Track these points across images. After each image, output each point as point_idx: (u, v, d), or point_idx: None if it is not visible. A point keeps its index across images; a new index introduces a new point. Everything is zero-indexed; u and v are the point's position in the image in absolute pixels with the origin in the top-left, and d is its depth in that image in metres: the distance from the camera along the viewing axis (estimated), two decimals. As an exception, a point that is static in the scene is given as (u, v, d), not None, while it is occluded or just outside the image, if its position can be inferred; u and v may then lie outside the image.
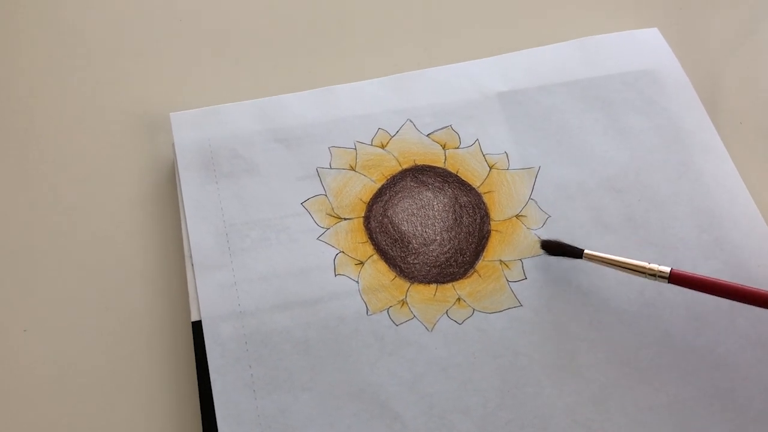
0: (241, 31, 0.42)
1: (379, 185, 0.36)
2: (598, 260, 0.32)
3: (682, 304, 0.33)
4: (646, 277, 0.31)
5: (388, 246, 0.34)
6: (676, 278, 0.31)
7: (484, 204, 0.36)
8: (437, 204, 0.36)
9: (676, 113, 0.38)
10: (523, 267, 0.34)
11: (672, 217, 0.35)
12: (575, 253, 0.33)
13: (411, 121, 0.38)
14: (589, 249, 0.33)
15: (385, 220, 0.35)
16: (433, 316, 0.33)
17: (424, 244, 0.35)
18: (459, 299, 0.33)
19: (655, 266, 0.31)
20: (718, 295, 0.31)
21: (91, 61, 0.41)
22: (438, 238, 0.35)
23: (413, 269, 0.34)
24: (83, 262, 0.35)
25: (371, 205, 0.35)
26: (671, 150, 0.37)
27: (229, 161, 0.36)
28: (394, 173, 0.36)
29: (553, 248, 0.34)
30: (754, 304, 0.30)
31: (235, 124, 0.37)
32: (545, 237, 0.34)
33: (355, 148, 0.37)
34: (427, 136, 0.37)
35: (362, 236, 0.35)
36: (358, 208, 0.35)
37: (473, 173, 0.36)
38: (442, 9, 0.43)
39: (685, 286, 0.31)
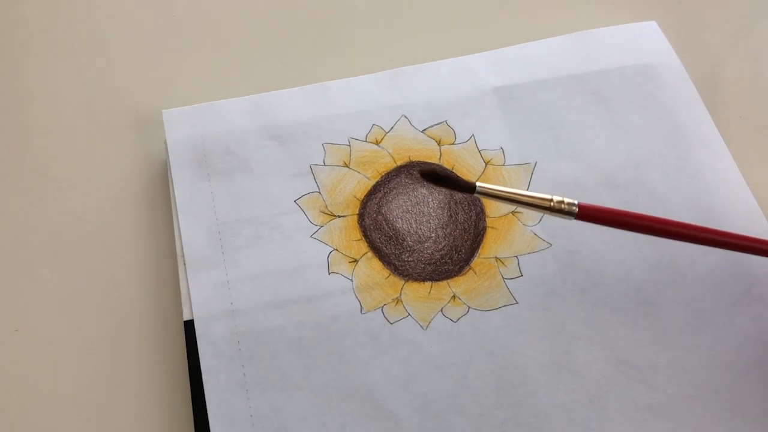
0: (233, 27, 0.41)
1: (373, 182, 0.36)
2: (493, 194, 0.28)
3: (680, 302, 0.33)
4: (552, 213, 0.28)
5: (382, 243, 0.34)
6: (584, 212, 0.28)
7: (479, 200, 0.35)
8: (432, 201, 0.35)
9: (675, 107, 0.38)
10: (519, 264, 0.34)
11: (670, 212, 0.35)
12: (465, 187, 0.28)
13: (406, 116, 0.37)
14: (582, 240, 0.32)
15: (380, 217, 0.35)
16: (427, 314, 0.32)
17: (419, 242, 0.34)
18: (454, 297, 0.33)
19: (559, 198, 0.28)
20: (629, 229, 0.28)
21: (82, 58, 0.40)
22: (433, 235, 0.34)
23: (408, 267, 0.34)
24: (74, 260, 0.34)
25: (365, 202, 0.35)
26: (670, 144, 0.36)
27: (221, 158, 0.36)
28: (388, 170, 0.36)
29: (438, 179, 0.29)
30: (666, 237, 0.28)
31: (227, 121, 0.37)
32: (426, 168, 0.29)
33: (350, 145, 0.36)
34: (422, 132, 0.37)
35: (356, 234, 0.34)
36: (352, 205, 0.35)
37: (469, 169, 0.36)
38: (437, 3, 0.42)
39: (594, 222, 0.28)
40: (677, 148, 0.36)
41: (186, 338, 0.32)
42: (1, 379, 0.32)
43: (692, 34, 0.41)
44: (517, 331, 0.32)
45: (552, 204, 0.29)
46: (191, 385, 0.31)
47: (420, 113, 0.37)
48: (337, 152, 0.36)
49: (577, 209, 0.28)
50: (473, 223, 0.35)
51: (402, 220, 0.35)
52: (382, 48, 0.40)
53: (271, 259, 0.33)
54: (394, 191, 0.35)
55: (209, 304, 0.32)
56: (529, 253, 0.34)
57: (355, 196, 0.35)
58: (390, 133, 0.37)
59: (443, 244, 0.34)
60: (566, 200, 0.29)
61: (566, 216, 0.29)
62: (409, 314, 0.32)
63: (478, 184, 0.28)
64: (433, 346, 0.32)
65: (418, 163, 0.36)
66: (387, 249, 0.34)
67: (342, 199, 0.35)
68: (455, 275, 0.33)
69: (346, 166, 0.36)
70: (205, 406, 0.30)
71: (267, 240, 0.34)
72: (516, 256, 0.34)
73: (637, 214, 0.29)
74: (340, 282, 0.33)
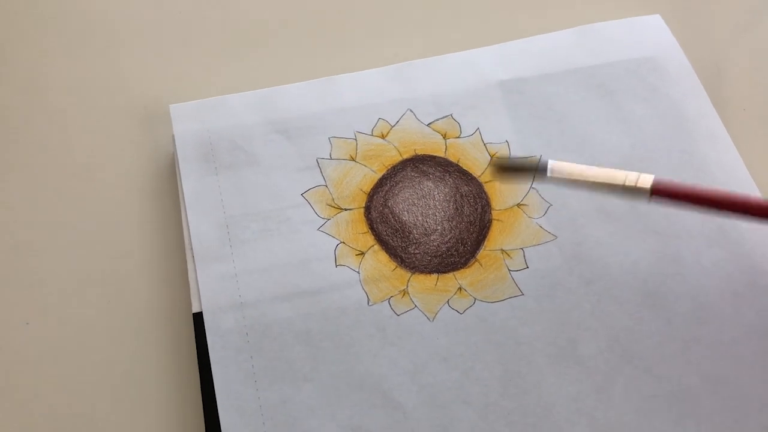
0: (240, 22, 0.42)
1: (379, 175, 0.36)
2: (565, 178, 0.28)
3: (685, 294, 0.33)
4: (624, 193, 0.28)
5: (388, 236, 0.34)
6: (658, 191, 0.27)
7: (485, 193, 0.35)
8: (438, 194, 0.35)
9: (680, 100, 0.38)
10: (524, 256, 0.34)
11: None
12: (534, 167, 0.28)
13: (411, 110, 0.37)
14: (587, 232, 0.31)
15: (386, 210, 0.35)
16: (434, 305, 0.33)
17: (425, 234, 0.34)
18: (460, 289, 0.33)
19: (634, 175, 0.27)
20: (709, 207, 0.27)
21: (89, 53, 0.40)
22: (439, 227, 0.35)
23: (414, 259, 0.34)
24: (84, 254, 0.35)
25: (372, 195, 0.35)
26: (674, 137, 0.37)
27: (229, 153, 0.36)
28: (394, 163, 0.36)
29: (508, 168, 0.29)
30: (749, 214, 0.27)
31: (234, 116, 0.37)
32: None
33: (356, 139, 0.37)
34: (428, 125, 0.37)
35: (363, 227, 0.35)
36: (358, 198, 0.35)
37: (474, 162, 0.36)
38: (442, -2, 0.43)
39: (669, 198, 0.27)
40: (682, 141, 0.37)
41: (195, 330, 0.32)
42: (13, 371, 0.32)
43: (697, 27, 0.41)
44: (523, 322, 0.32)
45: (626, 183, 0.27)
46: (200, 377, 0.31)
47: (425, 107, 0.37)
48: (343, 146, 0.36)
49: (650, 188, 0.27)
50: (479, 216, 0.35)
51: (408, 212, 0.35)
52: (388, 42, 0.41)
53: (279, 252, 0.34)
54: (400, 184, 0.36)
55: (218, 297, 0.33)
56: (534, 245, 0.34)
57: (361, 190, 0.35)
58: (396, 126, 0.37)
59: (449, 236, 0.34)
60: (641, 177, 0.27)
61: (640, 195, 0.27)
62: (415, 306, 0.33)
63: (550, 162, 0.28)
64: (440, 338, 0.32)
65: (424, 157, 0.36)
66: (393, 241, 0.34)
67: (348, 193, 0.35)
68: (461, 267, 0.34)
69: (353, 159, 0.36)
70: (215, 397, 0.31)
71: (274, 233, 0.34)
72: (522, 249, 0.34)
73: (713, 190, 0.27)
74: (347, 274, 0.33)
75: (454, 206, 0.35)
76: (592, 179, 0.28)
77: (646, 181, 0.27)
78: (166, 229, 0.35)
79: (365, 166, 0.36)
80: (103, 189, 0.36)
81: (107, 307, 0.34)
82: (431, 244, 0.34)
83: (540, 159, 0.30)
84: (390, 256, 0.34)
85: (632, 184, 0.27)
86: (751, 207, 0.27)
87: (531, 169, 0.29)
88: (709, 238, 0.34)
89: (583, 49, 0.39)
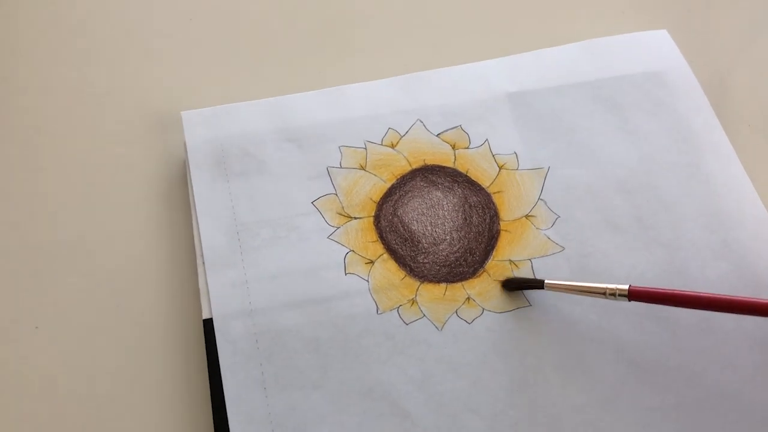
0: (252, 30, 0.42)
1: (389, 185, 0.36)
2: (559, 288, 0.32)
3: (690, 305, 0.33)
4: (606, 297, 0.31)
5: (398, 245, 0.35)
6: (635, 295, 0.30)
7: (493, 204, 0.36)
8: (447, 204, 0.36)
9: (685, 115, 0.38)
10: (532, 267, 0.34)
11: (681, 218, 0.35)
12: (536, 284, 0.33)
13: (421, 121, 0.38)
14: (594, 244, 0.33)
15: (395, 219, 0.35)
16: (442, 315, 0.33)
17: (434, 244, 0.35)
18: (469, 299, 0.33)
19: (612, 286, 0.31)
20: (681, 306, 0.30)
21: (102, 60, 0.41)
22: (448, 237, 0.35)
23: (423, 268, 0.34)
24: (95, 259, 0.35)
25: (381, 204, 0.36)
26: (680, 151, 0.37)
27: (240, 160, 0.36)
28: (404, 173, 0.36)
29: (513, 284, 0.34)
30: (717, 310, 0.29)
31: (246, 124, 0.37)
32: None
33: (366, 148, 0.37)
34: (437, 136, 0.37)
35: (372, 235, 0.35)
36: (368, 207, 0.36)
37: (483, 173, 0.37)
38: (452, 9, 0.43)
39: (646, 301, 0.30)
40: (688, 154, 0.37)
41: (205, 336, 0.32)
42: (22, 376, 0.32)
43: (702, 42, 0.42)
44: (531, 333, 0.33)
45: (606, 290, 0.31)
46: (211, 383, 0.31)
47: (435, 117, 0.38)
48: (353, 155, 0.37)
49: (627, 293, 0.30)
50: (487, 226, 0.35)
51: (417, 222, 0.35)
52: (398, 53, 0.41)
53: (289, 260, 0.34)
54: (410, 194, 0.36)
55: (228, 303, 0.33)
56: (542, 256, 0.34)
57: (371, 199, 0.36)
58: (405, 136, 0.37)
59: (458, 246, 0.35)
60: (618, 287, 0.30)
61: (620, 299, 0.31)
62: (424, 315, 0.33)
63: (546, 281, 0.32)
64: (448, 347, 0.32)
65: (433, 167, 0.37)
66: (402, 251, 0.35)
67: (358, 201, 0.36)
68: (470, 277, 0.34)
69: (363, 168, 0.36)
70: (225, 403, 0.31)
71: (285, 240, 0.34)
72: (529, 259, 0.34)
73: (687, 293, 0.30)
74: (356, 283, 0.33)
75: (463, 216, 0.35)
76: (579, 289, 0.32)
77: (623, 289, 0.30)
78: (177, 235, 0.35)
79: (375, 175, 0.36)
80: (115, 195, 0.37)
81: (117, 312, 0.34)
82: (440, 253, 0.34)
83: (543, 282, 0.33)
84: (399, 265, 0.34)
85: (612, 292, 0.31)
86: (720, 305, 0.29)
87: (533, 285, 0.33)
88: (714, 251, 0.35)
89: (590, 63, 0.39)
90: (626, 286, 0.30)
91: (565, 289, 0.32)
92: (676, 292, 0.30)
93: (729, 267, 0.34)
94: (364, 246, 0.34)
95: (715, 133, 0.38)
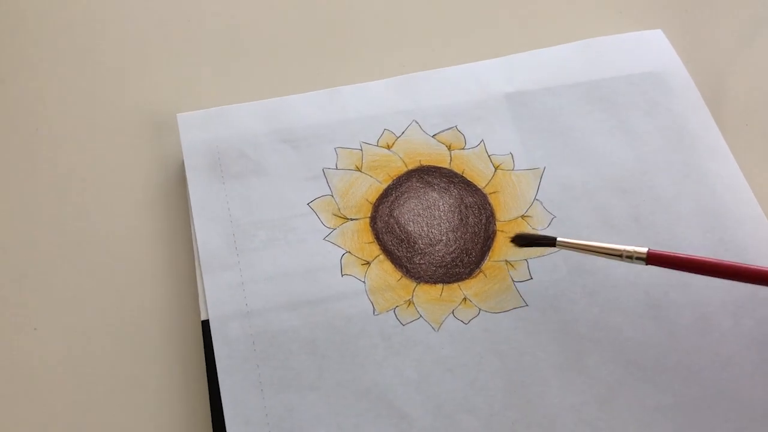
0: (247, 31, 0.42)
1: (384, 186, 0.36)
2: (571, 247, 0.32)
3: (687, 305, 0.33)
4: (623, 260, 0.31)
5: (394, 246, 0.35)
6: (654, 258, 0.30)
7: (489, 204, 0.36)
8: (443, 204, 0.36)
9: (681, 114, 0.38)
10: (528, 267, 0.34)
11: (677, 217, 0.35)
12: (548, 241, 0.32)
13: (416, 121, 0.38)
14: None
15: (391, 220, 0.35)
16: (439, 316, 0.33)
17: (430, 245, 0.35)
18: (465, 299, 0.33)
19: (630, 248, 0.30)
20: (699, 273, 0.30)
21: (98, 62, 0.41)
22: (444, 238, 0.35)
23: (419, 269, 0.34)
24: (93, 261, 0.35)
25: (377, 205, 0.36)
26: (676, 151, 0.37)
27: (236, 162, 0.36)
28: (399, 174, 0.36)
29: (524, 240, 0.33)
30: (736, 279, 0.29)
31: (241, 125, 0.37)
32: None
33: (361, 149, 0.37)
34: (433, 136, 0.37)
35: (368, 236, 0.35)
36: (364, 208, 0.36)
37: (479, 174, 0.37)
38: (448, 10, 0.43)
39: (664, 266, 0.30)
40: (683, 154, 0.37)
41: (204, 338, 0.32)
42: (20, 377, 0.32)
43: (698, 42, 0.42)
44: (527, 333, 0.33)
45: (623, 254, 0.30)
46: (209, 384, 0.31)
47: (430, 118, 0.38)
48: (349, 156, 0.37)
49: (645, 256, 0.30)
50: (483, 227, 0.35)
51: (413, 223, 0.35)
52: (394, 54, 0.41)
53: (285, 261, 0.34)
54: (406, 195, 0.36)
55: (224, 305, 0.33)
56: (539, 256, 0.34)
57: (367, 200, 0.36)
58: (401, 137, 0.37)
59: (454, 247, 0.35)
60: (637, 250, 0.30)
61: (638, 262, 0.30)
62: (420, 316, 0.33)
63: (558, 238, 0.32)
64: (445, 348, 0.32)
65: (429, 168, 0.37)
66: (399, 252, 0.35)
67: (354, 203, 0.36)
68: (466, 278, 0.34)
69: (358, 170, 0.36)
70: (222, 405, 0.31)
71: (281, 242, 0.34)
72: (526, 260, 0.34)
73: (708, 259, 0.29)
74: (352, 284, 0.33)
75: (459, 217, 0.35)
76: (594, 249, 0.31)
77: (641, 252, 0.30)
78: (175, 236, 0.35)
79: (371, 176, 0.36)
80: (113, 197, 0.37)
81: (115, 313, 0.34)
82: (436, 254, 0.34)
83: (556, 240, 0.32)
84: (395, 266, 0.34)
85: (630, 254, 0.30)
86: (739, 273, 0.29)
87: (544, 242, 0.33)
88: (710, 250, 0.35)
89: (586, 63, 0.39)
90: (645, 249, 0.30)
91: (579, 248, 0.31)
92: (696, 257, 0.29)
93: (726, 266, 0.34)
94: (361, 247, 0.34)
95: (710, 132, 0.38)
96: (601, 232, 0.35)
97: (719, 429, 0.31)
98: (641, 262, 0.30)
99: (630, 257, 0.30)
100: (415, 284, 0.34)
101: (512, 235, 0.34)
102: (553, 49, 0.40)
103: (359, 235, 0.35)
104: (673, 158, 0.37)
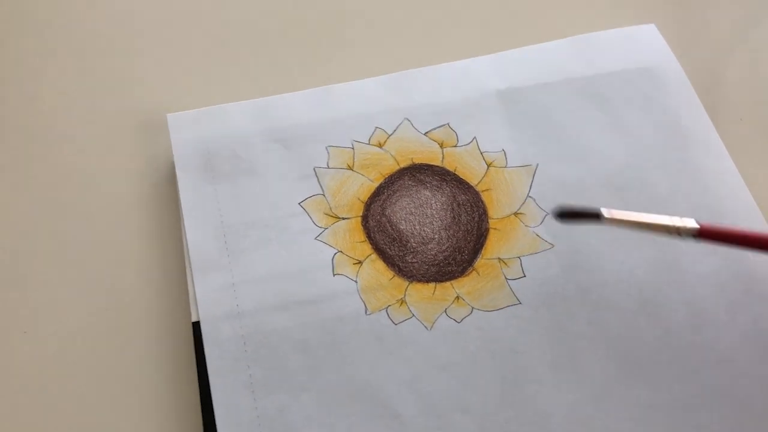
0: (237, 30, 0.42)
1: (376, 184, 0.36)
2: (619, 222, 0.30)
3: (682, 302, 0.33)
4: (671, 236, 0.29)
5: (386, 245, 0.34)
6: (706, 233, 0.28)
7: (482, 202, 0.36)
8: (435, 202, 0.35)
9: (675, 110, 0.38)
10: (521, 265, 0.34)
11: (671, 212, 0.35)
12: (593, 215, 0.30)
13: (408, 119, 0.37)
14: (584, 240, 0.32)
15: (383, 219, 0.35)
16: (432, 314, 0.33)
17: (423, 243, 0.34)
18: (458, 298, 0.33)
19: (680, 223, 0.29)
20: (756, 249, 0.28)
21: (87, 62, 0.41)
22: (436, 236, 0.35)
23: (412, 268, 0.34)
24: (82, 263, 0.35)
25: (369, 204, 0.35)
26: (670, 146, 0.37)
27: (226, 162, 0.36)
28: (391, 172, 0.36)
29: (568, 214, 0.31)
30: None
31: (232, 125, 0.37)
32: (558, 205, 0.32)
33: (353, 148, 0.37)
34: (425, 134, 0.37)
35: (360, 235, 0.35)
36: (356, 207, 0.35)
37: (471, 171, 0.36)
38: (439, 7, 0.43)
39: (717, 241, 0.28)
40: (677, 149, 0.37)
41: (194, 339, 0.32)
42: (10, 380, 0.32)
43: (691, 37, 0.42)
44: (521, 331, 0.32)
45: (671, 227, 0.29)
46: (200, 386, 0.31)
47: (422, 116, 0.38)
48: (340, 155, 0.36)
49: (697, 231, 0.28)
50: (476, 225, 0.35)
51: (405, 221, 0.35)
52: (385, 51, 0.41)
53: (277, 261, 0.34)
54: (398, 193, 0.36)
55: (215, 306, 0.33)
56: (531, 253, 0.34)
57: (358, 199, 0.35)
58: (393, 135, 0.37)
59: (446, 245, 0.34)
60: (686, 224, 0.29)
61: (687, 238, 0.29)
62: (413, 315, 0.33)
63: (603, 211, 0.30)
64: (438, 347, 0.32)
65: (421, 166, 0.36)
66: (391, 250, 0.34)
67: (346, 202, 0.35)
68: (459, 276, 0.34)
69: (350, 168, 0.36)
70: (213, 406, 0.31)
71: (272, 242, 0.34)
72: (519, 257, 0.34)
73: (757, 233, 0.28)
74: (344, 283, 0.33)
75: (452, 215, 0.35)
76: (644, 222, 0.29)
77: (692, 223, 0.28)
78: (165, 237, 0.35)
79: (362, 175, 0.36)
80: (102, 197, 0.36)
81: (106, 315, 0.33)
82: (429, 252, 0.34)
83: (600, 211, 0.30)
84: (387, 265, 0.34)
85: (679, 226, 0.29)
86: None
87: (590, 216, 0.30)
88: (705, 246, 0.34)
89: (579, 58, 0.39)
90: (695, 224, 0.28)
91: (626, 223, 0.29)
92: (751, 232, 0.28)
93: (720, 262, 0.34)
94: (352, 246, 0.34)
95: (704, 127, 0.38)
96: (595, 229, 0.34)
97: (714, 426, 0.31)
98: (691, 238, 0.28)
99: (678, 233, 0.28)
100: (407, 283, 0.34)
101: (556, 209, 0.31)
102: (546, 45, 0.40)
103: (351, 235, 0.35)
104: (667, 154, 0.37)
